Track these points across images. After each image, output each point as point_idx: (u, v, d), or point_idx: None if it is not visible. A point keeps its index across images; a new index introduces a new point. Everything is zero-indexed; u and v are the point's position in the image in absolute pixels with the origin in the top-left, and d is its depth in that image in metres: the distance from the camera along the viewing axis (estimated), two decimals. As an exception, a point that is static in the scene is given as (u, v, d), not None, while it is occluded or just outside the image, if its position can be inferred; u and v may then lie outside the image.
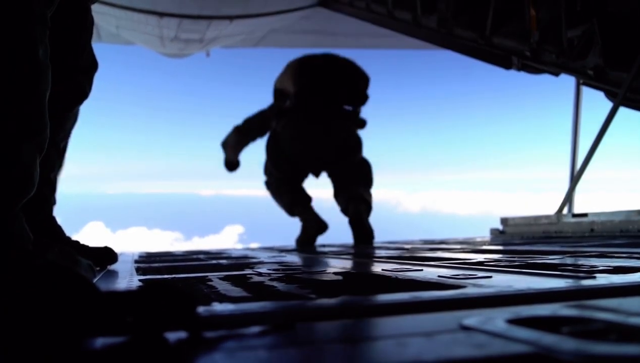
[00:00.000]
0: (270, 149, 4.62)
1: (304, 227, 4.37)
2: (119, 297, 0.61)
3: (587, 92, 4.76)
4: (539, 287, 0.93)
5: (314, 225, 4.33)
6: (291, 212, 4.52)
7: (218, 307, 0.81)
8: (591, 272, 1.17)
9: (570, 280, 1.03)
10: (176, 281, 1.42)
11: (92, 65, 1.92)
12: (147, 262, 2.33)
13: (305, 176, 4.66)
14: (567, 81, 4.95)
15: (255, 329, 0.62)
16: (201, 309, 0.75)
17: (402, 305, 0.80)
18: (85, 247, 1.84)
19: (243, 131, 4.78)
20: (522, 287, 0.94)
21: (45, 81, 1.15)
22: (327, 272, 1.49)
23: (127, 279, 1.46)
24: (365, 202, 4.43)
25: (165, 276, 1.56)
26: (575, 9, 3.83)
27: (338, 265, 1.71)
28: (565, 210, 4.44)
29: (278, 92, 4.69)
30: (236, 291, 1.18)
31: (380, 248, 3.04)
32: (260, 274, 1.46)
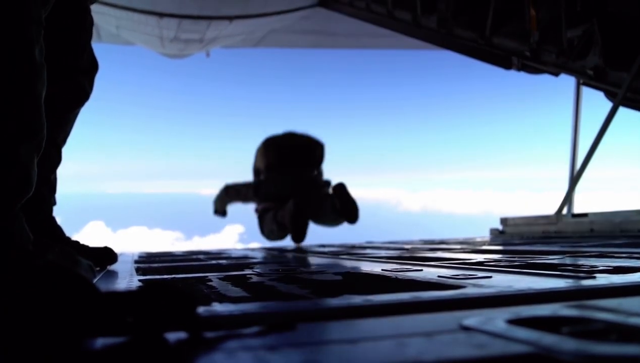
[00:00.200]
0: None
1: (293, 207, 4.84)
2: (119, 297, 0.61)
3: (587, 92, 4.76)
4: (539, 287, 0.93)
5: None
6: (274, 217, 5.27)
7: (218, 307, 0.81)
8: (591, 272, 1.17)
9: (570, 280, 1.03)
10: (176, 281, 1.42)
11: (92, 66, 1.92)
12: (147, 262, 2.33)
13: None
14: (567, 81, 4.95)
15: (255, 329, 0.62)
16: (201, 309, 0.75)
17: (402, 305, 0.80)
18: (85, 247, 1.83)
19: (229, 194, 5.92)
20: (522, 287, 0.94)
21: (42, 81, 1.15)
22: (327, 272, 1.49)
23: (127, 279, 1.46)
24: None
25: (165, 276, 1.56)
26: (575, 9, 3.83)
27: (338, 265, 1.71)
28: (565, 211, 4.44)
29: (255, 171, 5.64)
30: (236, 291, 1.18)
31: (380, 248, 3.04)
32: (260, 274, 1.46)
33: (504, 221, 4.88)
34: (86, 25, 1.86)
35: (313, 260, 2.13)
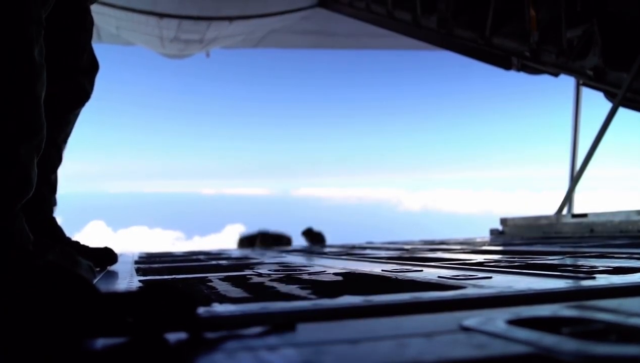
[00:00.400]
0: None
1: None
2: (119, 297, 0.61)
3: (587, 93, 4.76)
4: (539, 287, 0.93)
5: None
6: None
7: (218, 307, 0.81)
8: (591, 273, 1.17)
9: (570, 281, 1.03)
10: (176, 282, 1.42)
11: (92, 66, 1.92)
12: (147, 262, 2.33)
13: None
14: (567, 82, 4.95)
15: (255, 330, 0.62)
16: (201, 310, 0.75)
17: (402, 306, 0.80)
18: (85, 248, 1.83)
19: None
20: (522, 287, 0.94)
21: (41, 81, 1.15)
22: (327, 272, 1.49)
23: (127, 280, 1.46)
24: None
25: (166, 277, 1.56)
26: (575, 9, 3.83)
27: (338, 266, 1.71)
28: (565, 211, 4.44)
29: None
30: (236, 292, 1.18)
31: (380, 248, 3.04)
32: (260, 275, 1.46)
33: (503, 221, 4.88)
34: (86, 26, 1.87)
35: (313, 260, 2.13)
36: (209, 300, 0.97)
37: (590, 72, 3.85)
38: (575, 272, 1.22)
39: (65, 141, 1.91)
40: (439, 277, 1.18)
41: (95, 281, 1.42)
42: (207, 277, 1.46)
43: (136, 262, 2.34)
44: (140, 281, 1.37)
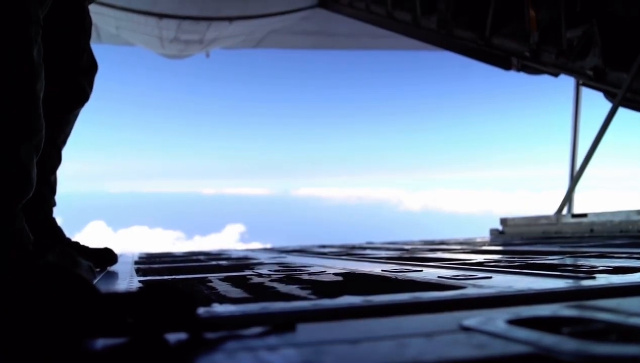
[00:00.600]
0: None
1: None
2: (119, 298, 0.61)
3: (587, 93, 4.76)
4: (539, 287, 0.93)
5: None
6: None
7: (218, 307, 0.81)
8: (591, 273, 1.17)
9: (570, 281, 1.03)
10: (176, 282, 1.42)
11: (91, 66, 1.92)
12: (147, 263, 2.33)
13: None
14: (567, 82, 4.95)
15: (255, 330, 0.62)
16: (201, 310, 0.75)
17: (402, 306, 0.80)
18: (85, 248, 1.83)
19: None
20: (522, 287, 0.94)
21: (40, 81, 1.15)
22: (327, 272, 1.49)
23: (127, 280, 1.46)
24: None
25: (166, 277, 1.56)
26: (575, 9, 3.83)
27: (338, 266, 1.71)
28: (564, 211, 4.44)
29: None
30: (236, 292, 1.18)
31: (380, 248, 3.04)
32: (260, 275, 1.46)
33: (503, 221, 4.88)
34: (85, 26, 1.87)
35: (313, 260, 2.13)
36: (209, 301, 0.97)
37: (590, 72, 3.85)
38: (575, 271, 1.22)
39: (64, 141, 1.91)
40: (438, 277, 1.18)
41: (95, 281, 1.42)
42: (207, 277, 1.46)
43: (136, 263, 2.34)
44: (140, 281, 1.37)
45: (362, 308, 0.78)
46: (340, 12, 6.59)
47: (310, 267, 1.69)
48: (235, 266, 1.93)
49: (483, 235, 4.96)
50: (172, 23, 6.63)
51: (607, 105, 4.01)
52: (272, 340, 0.58)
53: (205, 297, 1.13)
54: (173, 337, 0.60)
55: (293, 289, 1.17)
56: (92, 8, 1.94)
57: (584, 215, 4.05)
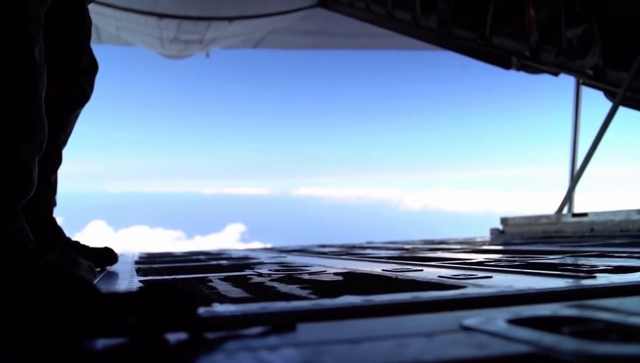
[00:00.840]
0: None
1: None
2: (120, 298, 0.61)
3: (587, 92, 4.76)
4: (540, 287, 0.93)
5: None
6: None
7: (219, 307, 0.81)
8: (591, 272, 1.17)
9: (570, 280, 1.03)
10: (176, 282, 1.42)
11: (92, 66, 1.92)
12: (148, 262, 2.33)
13: None
14: (567, 81, 4.95)
15: (255, 330, 0.62)
16: (202, 310, 0.75)
17: (403, 306, 0.80)
18: (85, 248, 1.84)
19: None
20: (522, 287, 0.94)
21: (42, 81, 1.15)
22: (328, 272, 1.49)
23: (127, 280, 1.46)
24: None
25: (166, 277, 1.56)
26: (575, 8, 3.83)
27: (338, 266, 1.71)
28: (565, 210, 4.44)
29: None
30: (237, 292, 1.18)
31: (380, 248, 3.04)
32: (260, 275, 1.46)
33: (504, 221, 4.88)
34: (85, 26, 1.87)
35: (313, 260, 2.13)
36: (209, 300, 0.97)
37: (590, 72, 3.85)
38: (576, 271, 1.22)
39: (65, 142, 1.91)
40: (439, 276, 1.18)
41: (95, 281, 1.42)
42: (207, 277, 1.46)
43: (136, 262, 2.34)
44: (140, 281, 1.37)
45: (362, 308, 0.78)
46: (340, 12, 6.59)
47: (310, 266, 1.69)
48: (235, 266, 1.93)
49: (483, 234, 4.96)
50: (172, 23, 6.63)
51: (607, 105, 4.01)
52: (272, 340, 0.58)
53: (206, 296, 1.13)
54: (173, 336, 0.60)
55: (293, 289, 1.17)
56: (92, 8, 1.94)
57: (585, 215, 4.05)
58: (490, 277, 1.13)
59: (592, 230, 3.87)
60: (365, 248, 3.17)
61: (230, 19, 6.71)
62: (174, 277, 1.53)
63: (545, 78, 4.63)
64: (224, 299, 1.08)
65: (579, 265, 1.38)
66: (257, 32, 7.61)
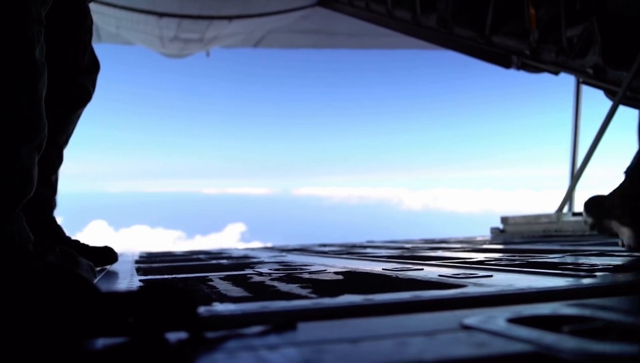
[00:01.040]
0: None
1: None
2: (120, 297, 0.61)
3: (587, 91, 4.76)
4: (540, 285, 0.93)
5: None
6: None
7: (219, 307, 0.81)
8: (591, 271, 1.17)
9: (570, 279, 1.03)
10: (176, 281, 1.42)
11: (93, 66, 1.92)
12: (148, 262, 2.33)
13: None
14: (567, 80, 4.95)
15: (256, 329, 0.62)
16: (202, 309, 0.75)
17: (403, 305, 0.80)
18: (85, 247, 1.83)
19: None
20: (522, 286, 0.94)
21: (42, 81, 1.15)
22: (328, 271, 1.49)
23: (127, 280, 1.46)
24: None
25: (166, 276, 1.56)
26: (575, 7, 3.83)
27: (338, 265, 1.71)
28: (565, 209, 4.44)
29: None
30: (237, 291, 1.18)
31: (381, 247, 3.04)
32: (260, 274, 1.46)
33: (504, 220, 4.88)
34: (87, 25, 1.87)
35: (314, 259, 2.13)
36: (210, 300, 0.97)
37: (590, 70, 3.85)
38: (576, 270, 1.22)
39: (66, 141, 1.91)
40: (439, 275, 1.18)
41: (95, 281, 1.42)
42: (207, 276, 1.46)
43: (137, 262, 2.34)
44: (140, 280, 1.37)
45: (362, 307, 0.78)
46: (340, 11, 6.58)
47: (310, 265, 1.69)
48: (235, 265, 1.93)
49: (483, 234, 4.96)
50: (172, 22, 6.63)
51: (608, 104, 4.01)
52: (272, 339, 0.58)
53: (206, 296, 1.13)
54: (173, 336, 0.60)
55: (293, 288, 1.17)
56: (92, 7, 1.94)
57: (585, 214, 4.05)
58: (491, 276, 1.13)
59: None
60: (365, 247, 3.17)
61: (230, 18, 6.71)
62: (174, 276, 1.53)
63: (545, 77, 4.63)
64: (224, 298, 1.08)
65: (579, 264, 1.38)
66: (257, 31, 7.60)
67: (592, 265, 1.33)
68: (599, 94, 4.17)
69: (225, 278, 1.40)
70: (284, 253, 2.74)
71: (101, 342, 0.59)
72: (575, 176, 4.55)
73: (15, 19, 1.09)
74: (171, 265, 2.12)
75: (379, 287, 1.14)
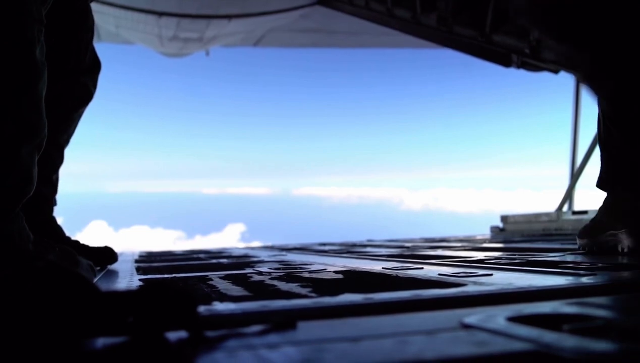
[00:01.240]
0: None
1: None
2: (119, 297, 0.61)
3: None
4: (540, 284, 0.93)
5: None
6: None
7: (219, 306, 0.81)
8: (591, 270, 1.17)
9: (570, 278, 1.02)
10: (176, 280, 1.42)
11: (95, 65, 1.92)
12: (148, 261, 2.33)
13: None
14: (567, 79, 4.95)
15: (256, 328, 0.62)
16: (202, 308, 0.75)
17: (403, 304, 0.80)
18: (85, 247, 1.83)
19: None
20: (522, 284, 0.94)
21: (43, 80, 1.15)
22: (328, 270, 1.49)
23: (127, 279, 1.46)
24: None
25: (166, 275, 1.56)
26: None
27: (338, 264, 1.71)
28: (565, 208, 4.44)
29: None
30: (237, 290, 1.18)
31: (381, 246, 3.04)
32: (260, 273, 1.46)
33: (504, 219, 4.88)
34: (88, 25, 1.87)
35: (314, 258, 2.13)
36: (210, 299, 0.97)
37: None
38: (576, 268, 1.22)
39: (67, 141, 1.91)
40: (439, 274, 1.18)
41: (95, 280, 1.42)
42: (207, 275, 1.46)
43: (136, 261, 2.34)
44: (140, 280, 1.37)
45: (362, 306, 0.78)
46: (339, 10, 6.57)
47: (310, 264, 1.69)
48: (235, 264, 1.93)
49: (483, 233, 4.96)
50: (172, 21, 6.63)
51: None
52: (272, 338, 0.58)
53: (206, 295, 1.13)
54: (173, 335, 0.60)
55: (293, 287, 1.17)
56: (92, 6, 1.94)
57: (585, 212, 4.05)
58: (491, 274, 1.13)
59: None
60: (365, 246, 3.17)
61: (229, 17, 6.70)
62: (174, 275, 1.53)
63: (545, 76, 4.63)
64: (224, 297, 1.08)
65: (579, 263, 1.38)
66: (256, 30, 7.60)
67: (592, 263, 1.33)
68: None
69: (225, 278, 1.40)
70: (283, 253, 2.74)
71: (101, 342, 0.58)
72: (575, 175, 4.55)
73: (16, 19, 1.08)
74: (171, 264, 2.12)
75: (379, 286, 1.14)
